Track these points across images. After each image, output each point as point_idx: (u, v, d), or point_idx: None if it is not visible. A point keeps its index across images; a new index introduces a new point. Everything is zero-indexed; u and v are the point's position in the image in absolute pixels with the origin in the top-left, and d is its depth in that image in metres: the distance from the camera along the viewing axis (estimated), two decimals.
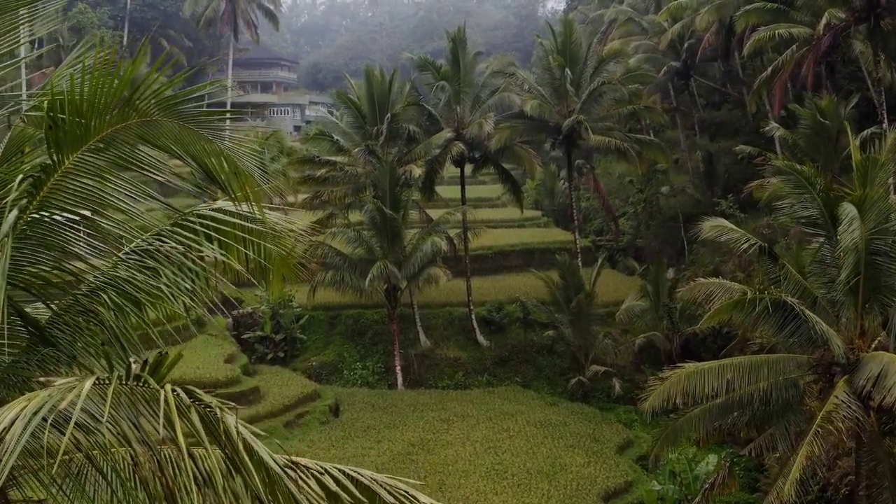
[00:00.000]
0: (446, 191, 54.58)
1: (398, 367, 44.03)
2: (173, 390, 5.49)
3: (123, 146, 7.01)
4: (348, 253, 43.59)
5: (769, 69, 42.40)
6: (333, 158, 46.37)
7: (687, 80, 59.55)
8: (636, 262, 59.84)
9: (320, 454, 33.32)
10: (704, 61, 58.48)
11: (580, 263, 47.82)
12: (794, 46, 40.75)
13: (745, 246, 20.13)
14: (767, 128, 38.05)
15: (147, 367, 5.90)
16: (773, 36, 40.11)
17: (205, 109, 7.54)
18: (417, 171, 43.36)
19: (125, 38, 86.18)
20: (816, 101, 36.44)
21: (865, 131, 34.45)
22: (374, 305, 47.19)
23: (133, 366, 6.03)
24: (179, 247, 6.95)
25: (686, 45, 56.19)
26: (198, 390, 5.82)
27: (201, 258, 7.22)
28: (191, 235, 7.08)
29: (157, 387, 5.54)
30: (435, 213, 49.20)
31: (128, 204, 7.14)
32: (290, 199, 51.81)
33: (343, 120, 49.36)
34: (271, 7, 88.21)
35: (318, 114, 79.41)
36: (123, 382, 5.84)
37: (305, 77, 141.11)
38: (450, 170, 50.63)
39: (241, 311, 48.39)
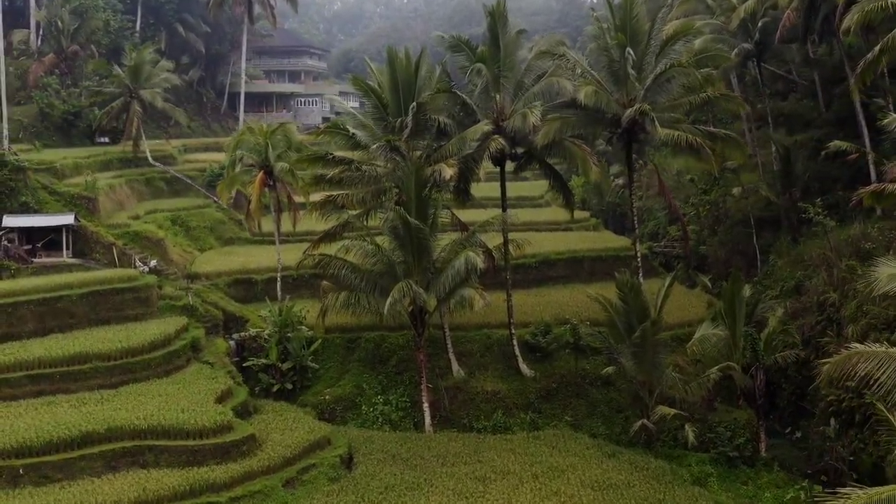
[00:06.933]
0: (482, 189, 47.51)
1: (426, 404, 37.15)
2: None
3: None
4: (366, 268, 36.67)
5: (876, 49, 34.89)
6: (349, 156, 39.53)
7: (758, 65, 52.08)
8: (700, 274, 52.42)
9: None
10: (781, 43, 50.72)
11: (641, 278, 40.62)
12: None
13: None
14: (886, 121, 30.67)
15: None
16: (884, 6, 32.83)
17: None
18: (449, 172, 36.42)
19: (137, 23, 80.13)
20: None
21: None
22: (399, 327, 40.62)
23: None
24: None
25: (760, 23, 48.87)
26: None
27: None
28: None
29: None
30: (468, 216, 42.36)
31: None
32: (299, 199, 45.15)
33: (363, 111, 42.55)
34: None
35: (340, 104, 72.06)
36: None
37: (337, 66, 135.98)
38: (486, 166, 43.50)
39: (245, 333, 42.02)
